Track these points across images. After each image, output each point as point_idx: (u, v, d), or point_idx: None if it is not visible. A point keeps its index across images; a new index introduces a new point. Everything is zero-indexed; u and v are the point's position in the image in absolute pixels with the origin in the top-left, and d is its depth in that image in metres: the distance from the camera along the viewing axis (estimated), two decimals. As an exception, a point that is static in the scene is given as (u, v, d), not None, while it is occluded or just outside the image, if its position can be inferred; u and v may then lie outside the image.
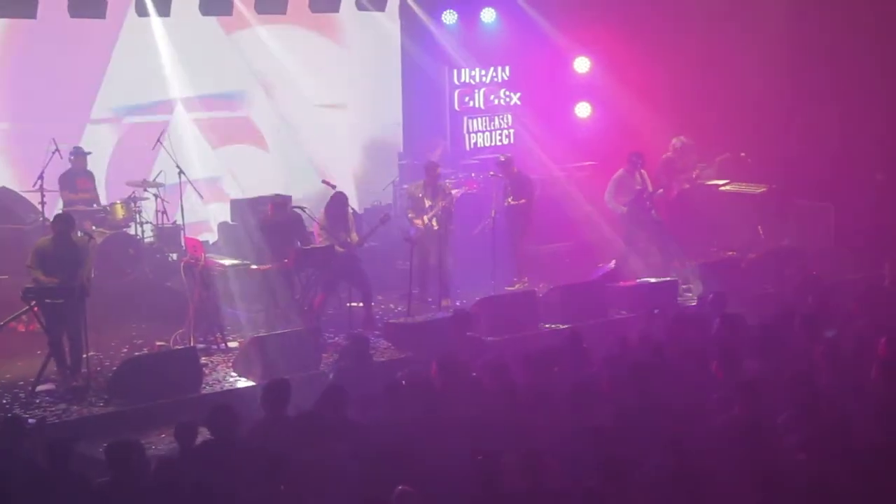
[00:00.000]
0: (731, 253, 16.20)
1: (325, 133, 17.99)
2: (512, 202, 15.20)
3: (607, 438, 7.79)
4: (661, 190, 15.47)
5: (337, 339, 13.14)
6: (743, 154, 16.35)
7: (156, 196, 15.24)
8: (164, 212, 15.33)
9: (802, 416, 8.14)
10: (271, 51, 17.21)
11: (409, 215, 14.64)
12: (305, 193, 16.50)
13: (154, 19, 15.72)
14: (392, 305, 14.60)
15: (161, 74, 16.19)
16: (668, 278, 14.74)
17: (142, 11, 15.62)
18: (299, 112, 17.77)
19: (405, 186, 15.63)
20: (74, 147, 15.16)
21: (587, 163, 17.57)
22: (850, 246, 15.62)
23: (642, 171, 15.41)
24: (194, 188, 15.25)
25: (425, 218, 14.43)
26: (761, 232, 16.40)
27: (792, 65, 16.86)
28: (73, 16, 15.00)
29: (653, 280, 14.63)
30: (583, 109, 18.76)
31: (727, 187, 16.49)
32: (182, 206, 14.94)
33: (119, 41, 16.04)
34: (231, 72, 17.14)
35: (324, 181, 14.82)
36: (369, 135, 18.50)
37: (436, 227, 14.37)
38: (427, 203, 14.54)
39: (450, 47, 18.00)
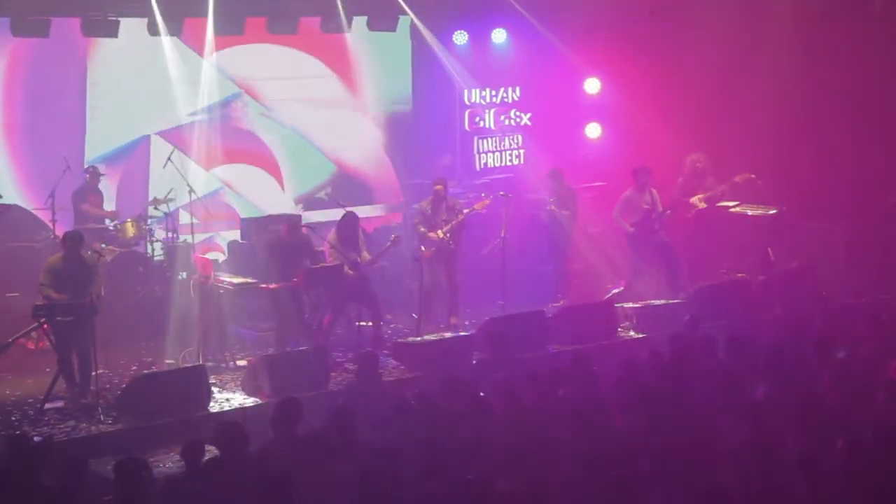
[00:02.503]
0: (740, 275, 16.15)
1: (332, 149, 18.06)
2: (554, 209, 15.28)
3: (614, 461, 7.76)
4: (668, 211, 15.45)
5: (345, 359, 13.13)
6: (753, 176, 16.31)
7: (165, 214, 15.30)
8: (174, 230, 15.39)
9: (809, 439, 8.11)
10: (268, 71, 17.32)
11: (421, 230, 14.59)
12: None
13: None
14: (401, 325, 14.60)
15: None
16: (676, 300, 14.71)
17: (153, 31, 15.68)
18: (304, 128, 17.82)
19: (415, 206, 15.66)
20: (91, 166, 15.27)
21: (597, 183, 17.57)
22: (860, 269, 15.59)
23: (652, 190, 15.39)
24: (206, 208, 15.34)
25: (440, 232, 14.43)
26: (771, 254, 16.35)
27: (804, 86, 16.83)
28: (86, 35, 15.12)
29: (660, 302, 14.62)
30: (593, 130, 18.77)
31: (737, 209, 16.45)
32: (192, 224, 14.99)
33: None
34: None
35: (336, 200, 14.86)
36: (377, 153, 18.53)
37: (451, 244, 14.40)
38: (441, 217, 14.57)
39: (460, 68, 18.06)
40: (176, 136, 16.41)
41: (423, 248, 14.35)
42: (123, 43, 15.57)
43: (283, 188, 17.72)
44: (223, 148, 17.06)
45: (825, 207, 16.64)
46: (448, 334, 13.51)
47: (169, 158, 15.14)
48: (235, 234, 16.55)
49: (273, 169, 17.67)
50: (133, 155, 16.40)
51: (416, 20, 17.46)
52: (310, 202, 17.79)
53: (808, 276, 15.21)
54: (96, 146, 15.95)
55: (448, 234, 14.43)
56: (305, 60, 17.54)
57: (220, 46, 16.54)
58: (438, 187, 14.63)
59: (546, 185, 15.99)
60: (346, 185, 17.87)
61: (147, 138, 16.41)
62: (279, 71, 17.38)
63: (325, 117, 17.79)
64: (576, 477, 7.75)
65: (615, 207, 15.48)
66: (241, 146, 17.31)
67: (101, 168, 15.37)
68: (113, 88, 15.95)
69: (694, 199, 16.05)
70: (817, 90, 16.87)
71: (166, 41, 15.78)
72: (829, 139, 16.79)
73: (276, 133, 17.62)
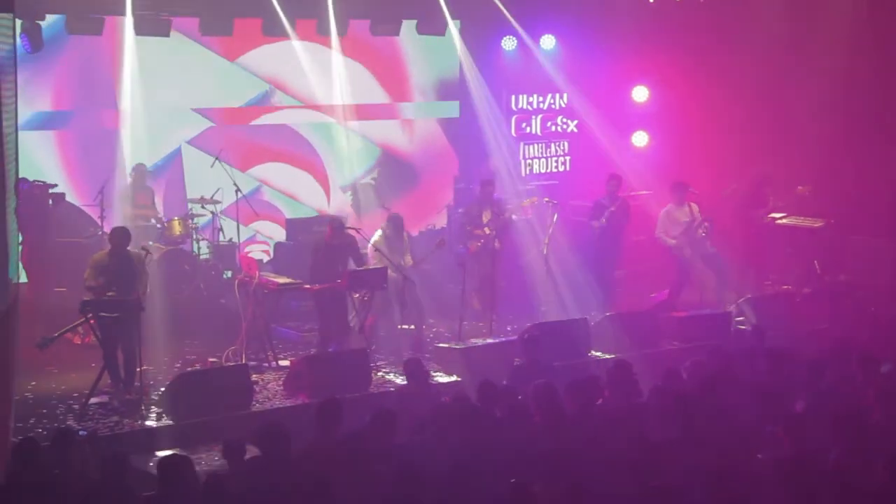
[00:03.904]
0: (785, 287, 16.05)
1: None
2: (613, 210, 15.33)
3: (652, 470, 7.73)
4: (707, 221, 15.31)
5: (387, 361, 13.18)
6: (801, 187, 16.21)
7: (213, 213, 15.44)
8: (221, 229, 15.53)
9: (851, 454, 8.04)
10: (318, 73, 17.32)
11: (467, 228, 14.79)
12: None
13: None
14: (443, 329, 14.62)
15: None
16: (722, 310, 14.63)
17: (206, 31, 15.84)
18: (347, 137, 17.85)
19: (460, 211, 15.74)
20: (137, 163, 15.41)
21: (643, 192, 17.52)
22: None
23: (692, 204, 15.32)
24: (251, 207, 15.46)
25: (486, 229, 14.59)
26: (817, 267, 16.24)
27: (853, 99, 16.72)
28: (138, 34, 15.28)
29: (706, 312, 14.55)
30: (640, 138, 18.73)
31: (784, 220, 16.33)
32: (238, 223, 15.11)
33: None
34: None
35: (381, 204, 14.96)
36: (424, 157, 18.60)
37: (496, 243, 14.49)
38: (486, 217, 14.68)
39: (508, 73, 18.05)
40: (207, 142, 16.54)
41: (468, 243, 14.50)
42: (148, 50, 15.65)
43: (325, 178, 17.79)
44: (259, 146, 17.17)
45: (873, 221, 16.48)
46: (489, 339, 13.52)
47: (217, 158, 15.29)
48: (278, 232, 16.68)
49: (313, 160, 17.73)
50: (169, 168, 16.51)
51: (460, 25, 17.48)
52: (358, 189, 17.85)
53: (855, 291, 15.08)
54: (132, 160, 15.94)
55: (494, 232, 14.53)
56: (337, 57, 17.48)
57: (247, 47, 16.63)
58: (489, 186, 14.79)
59: (603, 187, 15.86)
60: (395, 169, 17.91)
61: (178, 149, 16.53)
62: (312, 67, 17.35)
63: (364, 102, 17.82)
64: (614, 485, 7.74)
65: (657, 226, 15.41)
66: (277, 142, 17.38)
67: (148, 166, 15.53)
68: (141, 98, 16.02)
69: (762, 213, 15.83)
70: (866, 103, 16.73)
71: (191, 46, 15.98)
72: (879, 152, 16.64)
73: (313, 123, 17.66)
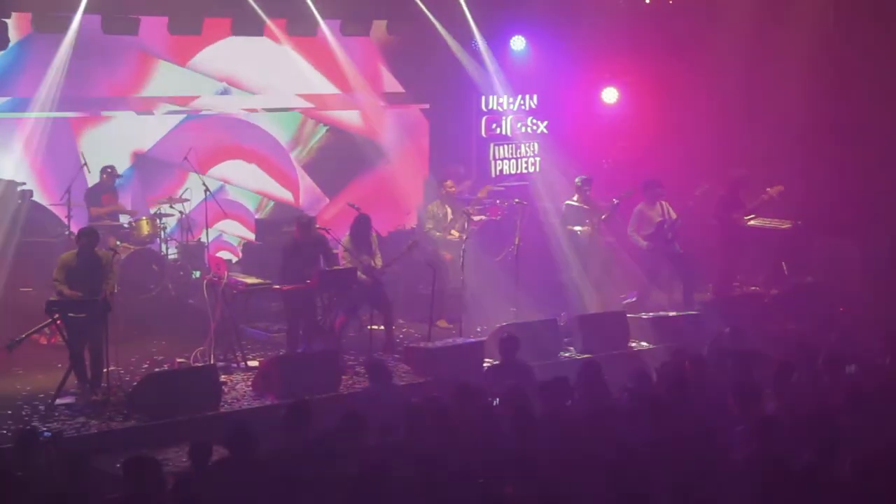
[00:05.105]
0: (753, 288, 16.11)
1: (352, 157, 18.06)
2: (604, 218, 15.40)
3: (622, 472, 7.74)
4: (679, 219, 15.34)
5: (356, 362, 13.13)
6: (769, 189, 16.30)
7: (181, 213, 15.35)
8: (189, 229, 15.44)
9: (819, 454, 8.08)
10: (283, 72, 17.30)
11: (437, 234, 14.76)
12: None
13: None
14: (413, 330, 14.60)
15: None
16: (691, 312, 14.68)
17: (174, 30, 15.74)
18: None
19: (425, 224, 15.69)
20: (108, 165, 15.27)
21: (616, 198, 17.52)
22: (875, 284, 15.54)
23: (663, 202, 15.37)
24: (220, 206, 15.38)
25: (454, 232, 14.61)
26: (785, 268, 16.32)
27: (821, 102, 16.82)
28: (106, 32, 15.15)
29: (674, 313, 14.59)
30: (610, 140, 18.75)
31: (752, 222, 16.40)
32: (206, 223, 15.03)
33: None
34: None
35: (349, 203, 14.88)
36: (395, 158, 18.56)
37: (464, 246, 14.52)
38: (449, 218, 14.70)
39: (478, 74, 18.05)
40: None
41: (441, 253, 14.50)
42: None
43: (293, 171, 17.73)
44: (220, 145, 17.04)
45: (840, 222, 16.58)
46: (459, 340, 13.50)
47: (185, 157, 15.20)
48: (243, 231, 16.62)
49: (277, 156, 17.63)
50: (131, 170, 16.34)
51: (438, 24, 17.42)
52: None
53: (822, 291, 15.17)
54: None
55: (464, 235, 14.55)
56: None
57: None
58: (449, 183, 14.99)
59: (574, 190, 15.89)
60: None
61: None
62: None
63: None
64: (584, 487, 7.74)
65: (629, 223, 15.45)
66: (238, 138, 17.22)
67: (118, 169, 15.39)
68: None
69: (740, 215, 15.92)
70: (833, 106, 16.84)
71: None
72: (845, 154, 16.75)
73: (274, 117, 17.58)
